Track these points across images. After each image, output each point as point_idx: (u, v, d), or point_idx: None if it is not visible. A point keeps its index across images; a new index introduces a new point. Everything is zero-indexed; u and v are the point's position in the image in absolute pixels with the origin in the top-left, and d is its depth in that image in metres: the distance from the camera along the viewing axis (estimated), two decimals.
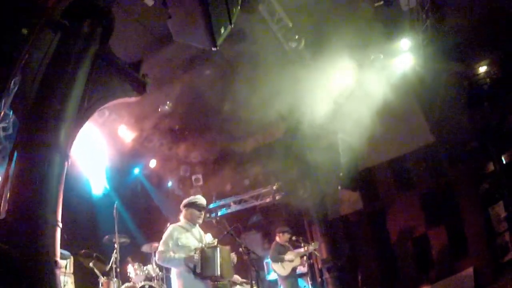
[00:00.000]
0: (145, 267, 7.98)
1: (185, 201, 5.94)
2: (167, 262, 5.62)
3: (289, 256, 9.40)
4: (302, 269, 10.21)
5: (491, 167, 9.68)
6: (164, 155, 11.55)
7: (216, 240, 5.84)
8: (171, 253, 5.47)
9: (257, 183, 11.82)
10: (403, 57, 9.64)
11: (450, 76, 9.54)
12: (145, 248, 8.42)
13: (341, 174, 9.49)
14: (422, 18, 8.70)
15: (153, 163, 11.38)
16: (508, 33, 8.68)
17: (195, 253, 5.43)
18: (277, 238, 9.71)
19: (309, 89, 9.28)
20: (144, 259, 8.36)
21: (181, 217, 5.92)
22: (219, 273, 5.40)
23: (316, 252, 9.83)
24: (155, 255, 8.25)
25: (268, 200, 11.52)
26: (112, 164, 9.87)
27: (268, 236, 11.31)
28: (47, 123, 4.21)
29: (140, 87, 5.62)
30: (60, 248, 6.60)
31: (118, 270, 7.35)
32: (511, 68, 9.10)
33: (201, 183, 12.05)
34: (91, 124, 9.07)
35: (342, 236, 11.12)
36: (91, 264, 7.46)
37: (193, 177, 12.06)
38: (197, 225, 5.94)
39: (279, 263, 9.26)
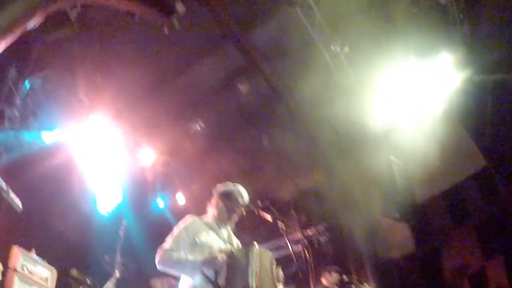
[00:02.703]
0: None
1: (218, 188, 4.44)
2: (172, 265, 3.82)
3: None
4: None
5: None
6: (193, 194, 10.31)
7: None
8: (182, 253, 3.82)
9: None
10: (444, 72, 8.63)
11: (496, 87, 8.65)
12: (156, 283, 6.83)
13: (398, 199, 8.15)
14: (459, 18, 8.04)
15: (181, 199, 10.02)
16: None
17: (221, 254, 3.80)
18: (323, 281, 8.22)
19: (354, 104, 8.39)
20: None
21: (209, 208, 4.37)
22: (254, 284, 3.59)
23: None
24: None
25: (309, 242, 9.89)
26: (131, 188, 8.77)
27: None
28: None
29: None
30: (47, 260, 5.72)
31: None
32: None
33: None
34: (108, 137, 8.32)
35: (395, 281, 9.42)
36: None
37: None
38: (229, 225, 4.31)
39: None
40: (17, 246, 5.61)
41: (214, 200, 4.37)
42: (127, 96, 8.37)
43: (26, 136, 7.08)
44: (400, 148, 8.42)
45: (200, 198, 10.16)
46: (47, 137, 7.39)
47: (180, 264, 3.78)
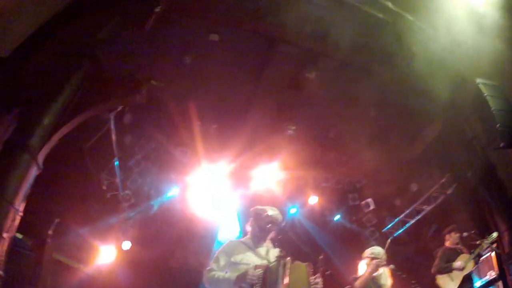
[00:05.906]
0: None
1: (253, 209, 4.75)
2: (212, 283, 4.20)
3: (458, 262, 6.97)
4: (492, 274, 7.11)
5: None
6: (323, 189, 10.50)
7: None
8: (220, 273, 4.22)
9: (426, 183, 9.27)
10: None
11: None
12: None
13: (498, 126, 6.57)
14: None
15: (313, 200, 10.39)
16: None
17: (255, 270, 4.08)
18: (446, 243, 7.58)
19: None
20: None
21: (247, 229, 4.73)
22: None
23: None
24: None
25: (441, 199, 8.81)
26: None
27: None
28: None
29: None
30: None
31: None
32: None
33: (372, 207, 10.33)
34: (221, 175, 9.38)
35: None
36: None
37: (363, 203, 10.47)
38: (266, 242, 4.57)
39: (445, 274, 7.01)
40: None
41: (250, 221, 4.71)
42: (225, 134, 9.32)
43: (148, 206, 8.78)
44: (481, 66, 6.82)
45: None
46: (166, 196, 8.99)
47: (218, 281, 4.15)
